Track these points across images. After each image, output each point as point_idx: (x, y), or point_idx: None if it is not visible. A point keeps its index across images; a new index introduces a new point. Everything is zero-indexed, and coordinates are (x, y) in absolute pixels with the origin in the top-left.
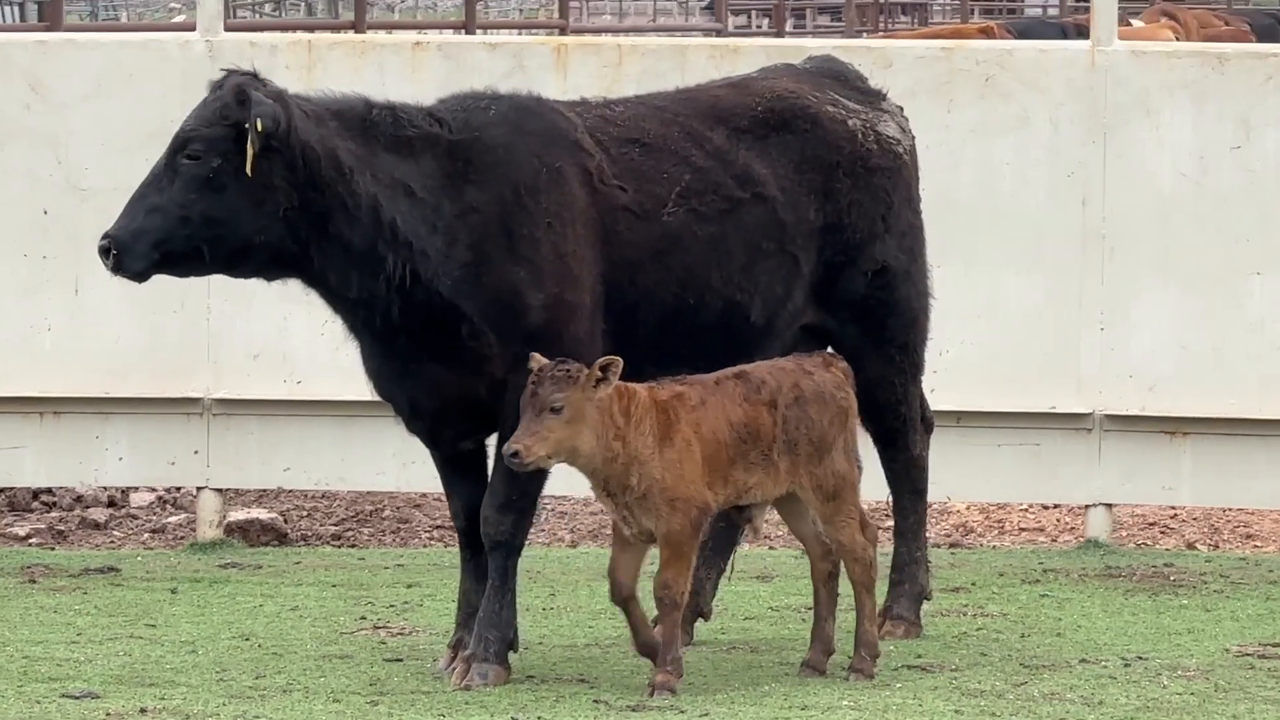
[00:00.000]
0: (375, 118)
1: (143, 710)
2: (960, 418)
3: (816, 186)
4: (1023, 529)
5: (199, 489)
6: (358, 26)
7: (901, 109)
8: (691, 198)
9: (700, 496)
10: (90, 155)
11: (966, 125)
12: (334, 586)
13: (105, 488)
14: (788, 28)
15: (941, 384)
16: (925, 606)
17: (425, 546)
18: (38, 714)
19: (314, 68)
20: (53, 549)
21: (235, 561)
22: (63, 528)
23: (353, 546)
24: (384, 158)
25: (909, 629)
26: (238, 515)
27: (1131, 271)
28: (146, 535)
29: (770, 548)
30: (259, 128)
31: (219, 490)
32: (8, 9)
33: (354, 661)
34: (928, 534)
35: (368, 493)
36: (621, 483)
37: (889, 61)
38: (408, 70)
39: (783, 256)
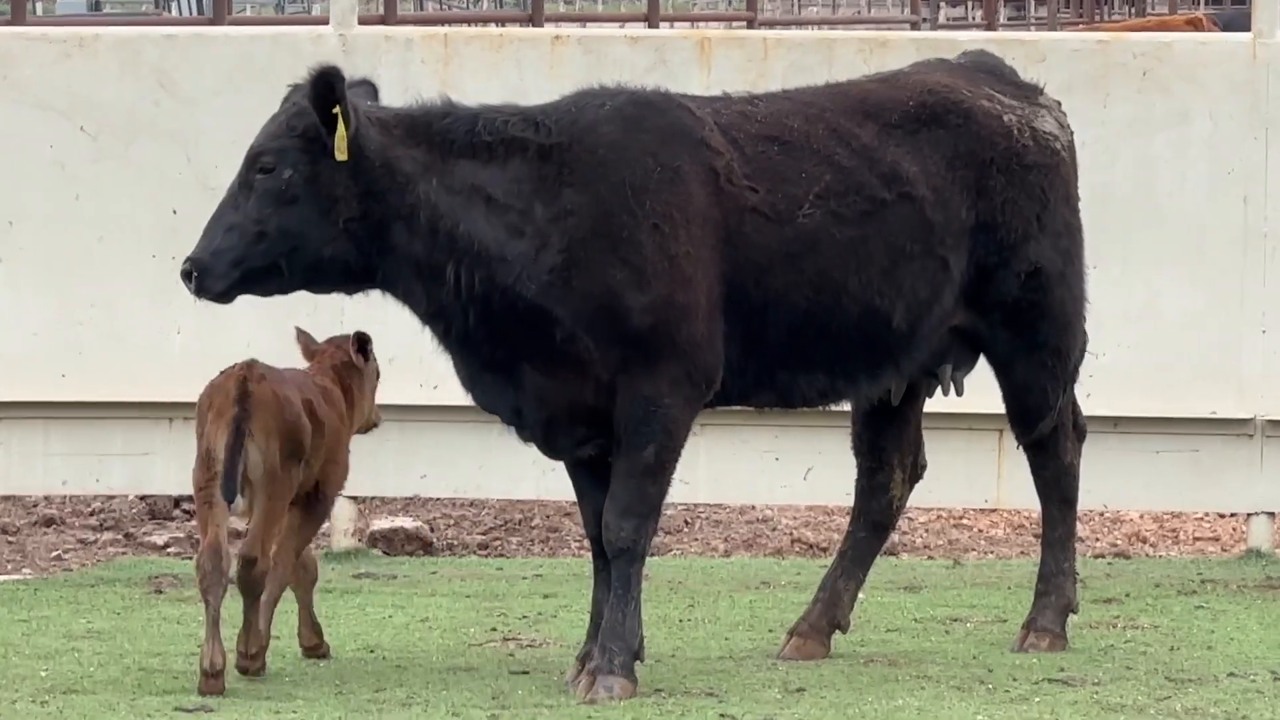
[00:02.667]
0: (451, 124)
1: None
2: (1117, 423)
3: (969, 184)
4: (1197, 538)
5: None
6: (535, 19)
7: (1059, 104)
8: (831, 199)
9: None
10: (220, 153)
11: (1123, 121)
12: (468, 597)
13: None
14: (1002, 18)
15: (1098, 389)
16: (1071, 620)
17: (574, 556)
18: None
19: (450, 62)
20: (188, 559)
21: (370, 571)
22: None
23: (501, 556)
24: (459, 164)
25: (1053, 642)
26: (381, 524)
27: None
28: None
29: (929, 557)
30: (349, 110)
31: (354, 498)
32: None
33: (479, 674)
34: (1083, 543)
35: (516, 501)
36: None
37: (1043, 55)
38: (546, 65)
39: (929, 259)
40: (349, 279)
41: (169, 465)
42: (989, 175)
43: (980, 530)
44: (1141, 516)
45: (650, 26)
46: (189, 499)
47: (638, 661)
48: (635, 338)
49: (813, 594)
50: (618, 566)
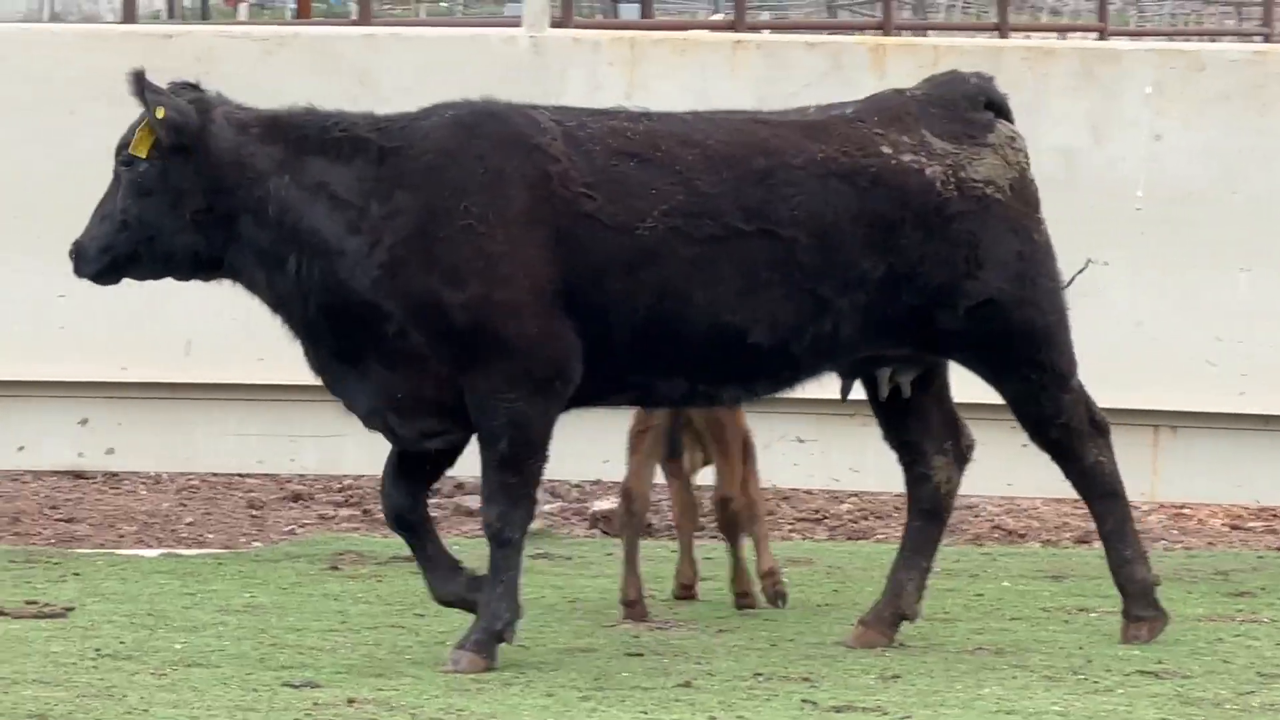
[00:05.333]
0: (307, 123)
1: (350, 701)
2: (1268, 421)
3: (875, 241)
4: None
5: None
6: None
7: (1013, 137)
8: (677, 217)
9: None
10: None
11: None
12: None
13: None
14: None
15: (1251, 387)
16: (1159, 593)
17: (785, 540)
18: (248, 702)
19: (637, 64)
20: (369, 534)
21: (547, 552)
22: (437, 514)
23: (713, 539)
24: (311, 161)
25: (1152, 626)
26: (603, 505)
27: None
28: (468, 522)
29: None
30: (159, 114)
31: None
32: None
33: (596, 655)
34: (1136, 528)
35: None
36: None
37: (1202, 65)
38: (727, 68)
39: (797, 292)
40: (200, 267)
41: (359, 447)
42: (901, 233)
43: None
44: None
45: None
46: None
47: (503, 642)
48: (459, 334)
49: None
50: (491, 550)
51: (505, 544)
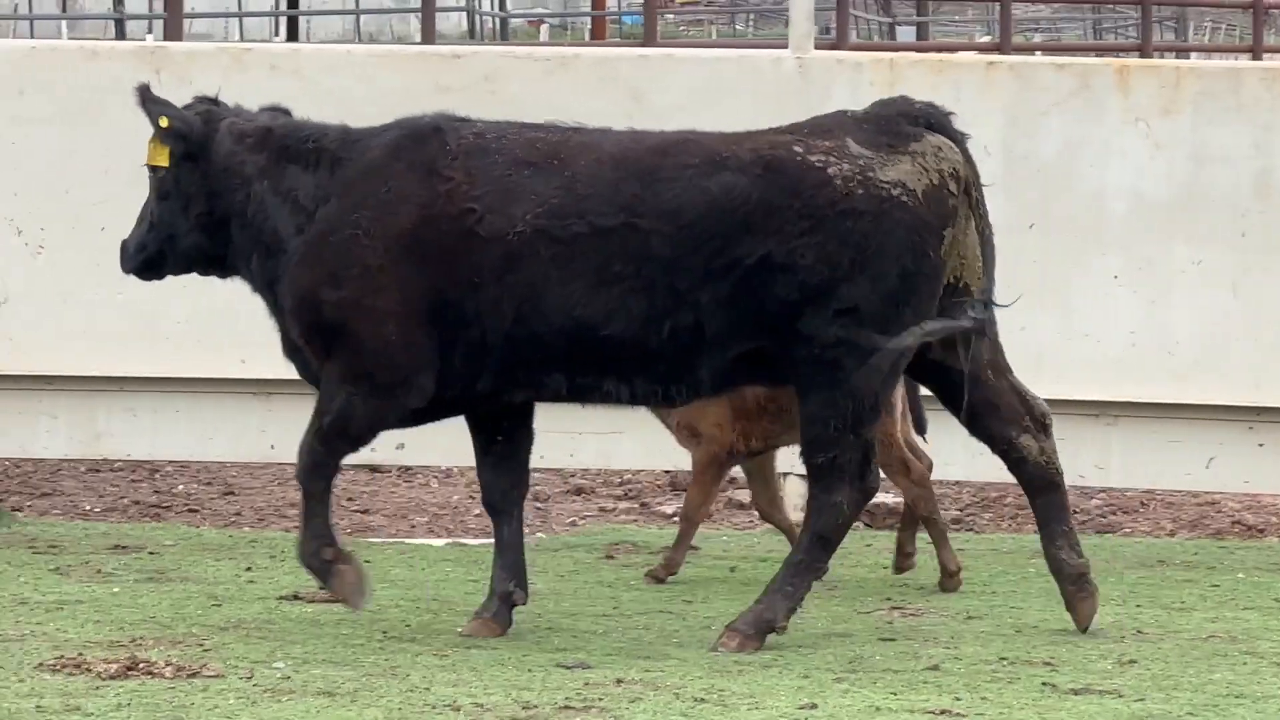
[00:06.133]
0: (291, 134)
1: (619, 681)
2: None
3: (754, 224)
4: None
5: (784, 474)
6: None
7: (940, 149)
8: (547, 219)
9: None
10: None
11: None
12: (884, 568)
13: None
14: None
15: None
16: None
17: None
18: (523, 681)
19: (895, 84)
20: (647, 526)
21: None
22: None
23: (970, 531)
24: (289, 169)
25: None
26: None
27: None
28: (739, 515)
29: None
30: (162, 124)
31: (802, 475)
32: None
33: (851, 640)
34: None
35: (991, 482)
36: None
37: None
38: (981, 88)
39: (652, 285)
40: (210, 264)
41: (636, 442)
42: (783, 218)
43: None
44: None
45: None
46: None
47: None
48: (328, 329)
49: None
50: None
51: (309, 496)
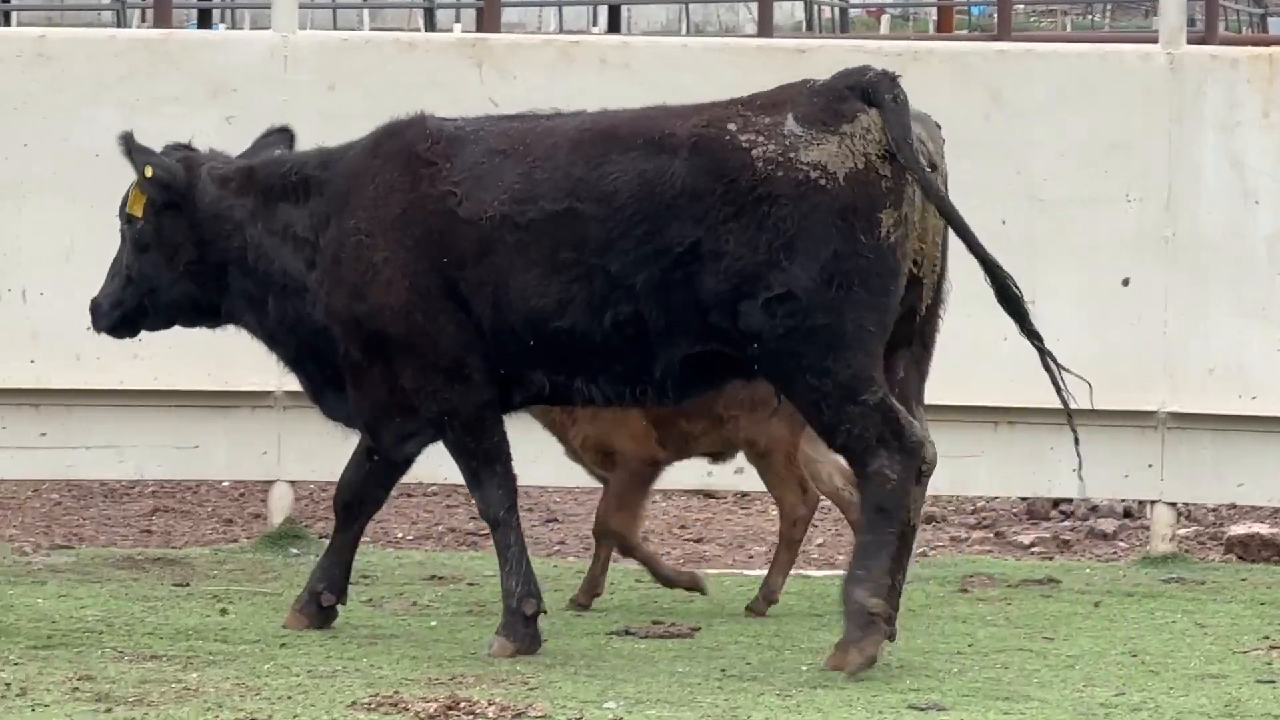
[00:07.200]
0: (271, 172)
1: None
2: None
3: (682, 211)
4: None
5: (1152, 503)
6: None
7: (870, 129)
8: (510, 204)
9: None
10: (1049, 166)
11: None
12: (1261, 604)
13: (1123, 499)
14: None
15: None
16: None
17: None
18: None
19: (1273, 81)
20: (1050, 559)
21: (1180, 576)
22: (1069, 537)
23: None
24: (279, 207)
25: (859, 648)
26: (1238, 529)
27: None
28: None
29: None
30: (147, 174)
31: (1172, 504)
32: None
33: (1225, 682)
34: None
35: None
36: None
37: None
38: None
39: (590, 272)
40: (201, 315)
41: (993, 468)
42: (707, 204)
43: None
44: None
45: None
46: (1067, 500)
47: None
48: (368, 340)
49: None
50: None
51: (496, 523)
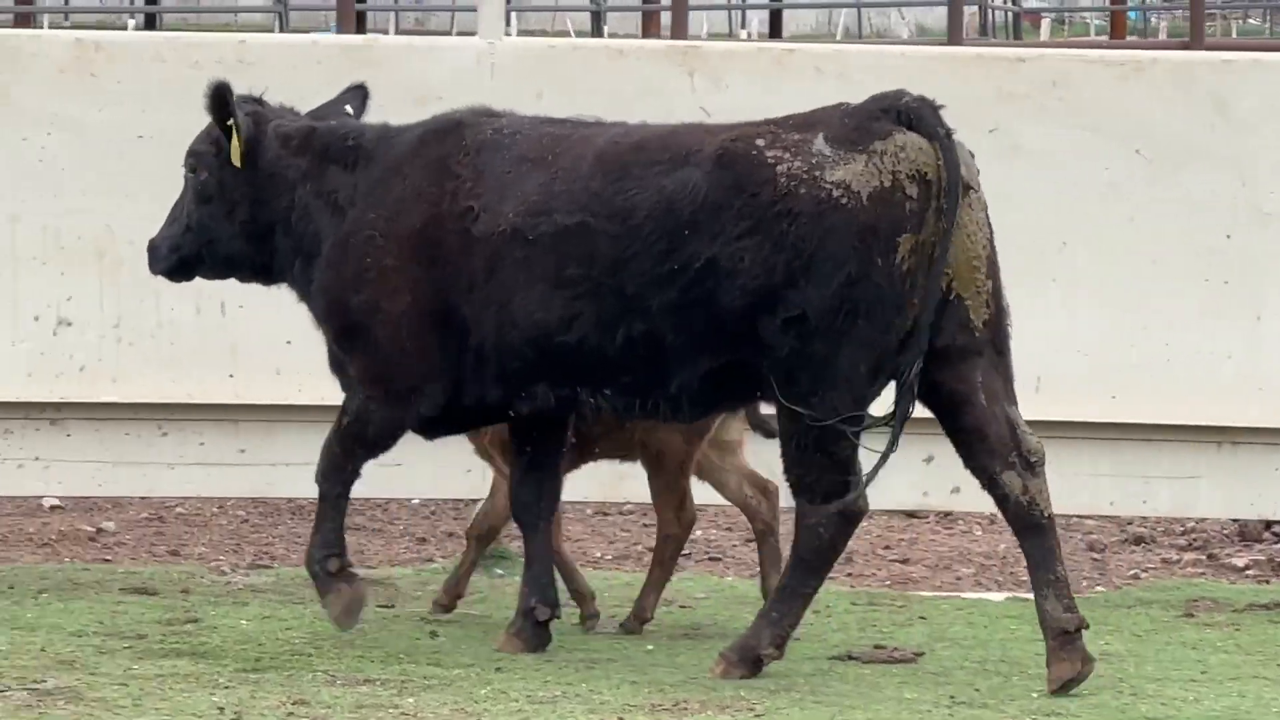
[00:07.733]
0: (332, 135)
1: None
2: None
3: (700, 224)
4: None
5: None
6: None
7: (904, 148)
8: (522, 217)
9: None
10: (1276, 178)
11: None
12: None
13: None
14: None
15: None
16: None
17: None
18: None
19: None
20: (1266, 582)
21: None
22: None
23: None
24: (330, 171)
25: (728, 663)
26: None
27: None
28: None
29: None
30: (240, 125)
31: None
32: None
33: None
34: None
35: None
36: None
37: None
38: None
39: (600, 288)
40: (255, 272)
41: (1215, 489)
42: (725, 218)
43: None
44: None
45: None
46: (1277, 522)
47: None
48: (345, 330)
49: None
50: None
51: (325, 498)
